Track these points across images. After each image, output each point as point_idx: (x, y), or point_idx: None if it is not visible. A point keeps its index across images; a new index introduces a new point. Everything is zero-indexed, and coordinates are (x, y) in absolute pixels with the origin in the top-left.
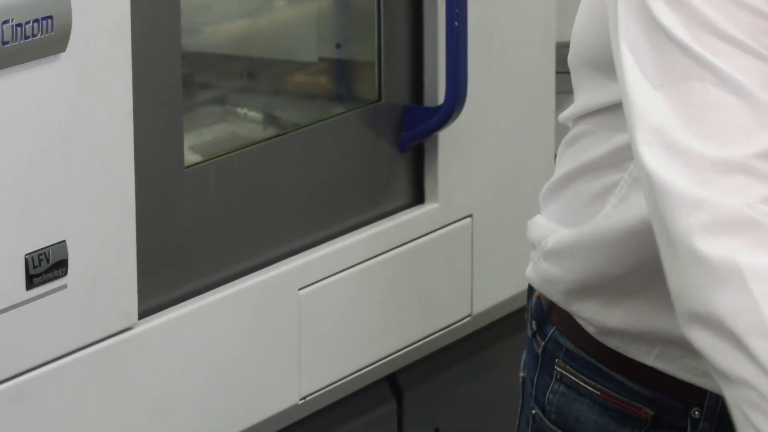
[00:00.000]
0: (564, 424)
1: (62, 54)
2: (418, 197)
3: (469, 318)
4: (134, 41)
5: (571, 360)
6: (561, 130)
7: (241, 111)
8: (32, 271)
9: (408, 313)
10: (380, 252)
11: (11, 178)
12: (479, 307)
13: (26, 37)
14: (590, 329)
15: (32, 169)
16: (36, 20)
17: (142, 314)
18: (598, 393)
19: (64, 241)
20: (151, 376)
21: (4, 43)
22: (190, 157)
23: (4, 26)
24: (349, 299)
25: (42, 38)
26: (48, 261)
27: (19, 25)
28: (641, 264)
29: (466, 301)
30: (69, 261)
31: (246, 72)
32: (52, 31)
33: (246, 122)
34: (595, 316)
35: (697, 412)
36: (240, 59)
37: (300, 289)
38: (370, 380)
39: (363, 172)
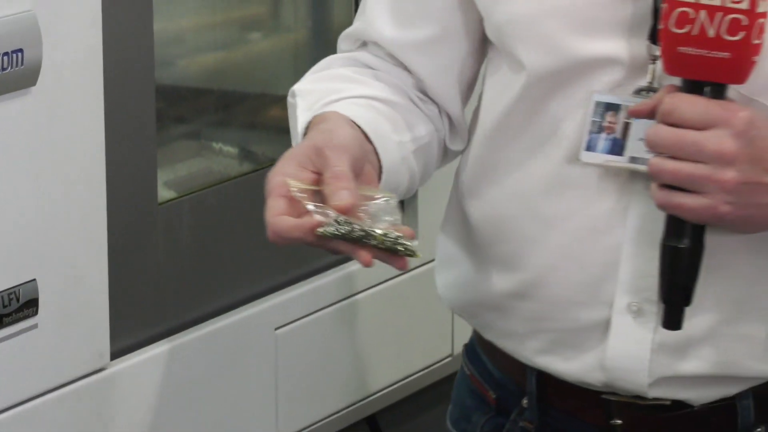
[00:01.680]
0: (459, 415)
1: (32, 88)
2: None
3: (449, 358)
4: (107, 74)
5: (467, 348)
6: None
7: (216, 146)
8: (2, 311)
9: (388, 353)
10: (359, 290)
11: None
12: (460, 347)
13: None
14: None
15: (1, 205)
16: (5, 53)
17: (115, 354)
18: (469, 374)
19: (35, 279)
20: (124, 418)
21: None
22: (164, 193)
23: None
24: (327, 338)
25: (11, 72)
26: (18, 300)
27: None
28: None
29: (447, 340)
30: (40, 300)
31: (221, 106)
32: (22, 64)
33: (221, 157)
34: (447, 292)
35: (525, 401)
36: (214, 93)
37: (277, 329)
38: (350, 422)
39: None
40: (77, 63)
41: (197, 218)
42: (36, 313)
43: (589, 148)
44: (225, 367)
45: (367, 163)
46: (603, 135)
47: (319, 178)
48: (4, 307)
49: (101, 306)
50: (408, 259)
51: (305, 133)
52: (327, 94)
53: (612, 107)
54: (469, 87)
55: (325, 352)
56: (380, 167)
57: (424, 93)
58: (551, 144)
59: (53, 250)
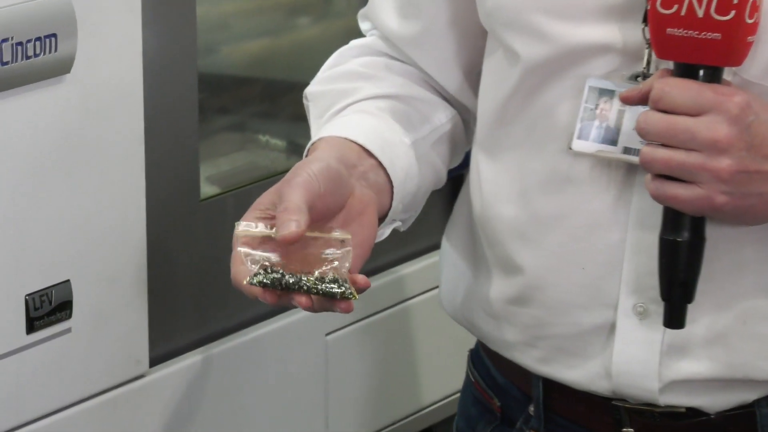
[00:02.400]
0: (464, 425)
1: (67, 76)
2: None
3: None
4: (146, 63)
5: (472, 353)
6: None
7: (262, 138)
8: (33, 314)
9: (446, 362)
10: (415, 294)
11: (10, 210)
12: None
13: (27, 57)
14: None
15: (33, 201)
16: (38, 39)
17: (154, 361)
18: (473, 380)
19: (69, 280)
20: (163, 429)
21: (3, 63)
22: (207, 189)
23: (4, 45)
24: (381, 345)
25: (45, 58)
26: (50, 302)
27: (20, 43)
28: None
29: None
30: (73, 302)
31: (267, 96)
32: (55, 50)
33: (267, 150)
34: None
35: (531, 408)
36: (260, 82)
37: (327, 334)
38: None
39: None
40: (114, 50)
41: (241, 215)
42: (70, 316)
43: (582, 136)
44: (272, 375)
45: (360, 186)
46: (596, 123)
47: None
48: (36, 309)
49: (139, 309)
50: (352, 301)
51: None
52: (336, 99)
53: (606, 93)
54: (477, 77)
55: (378, 360)
56: (389, 179)
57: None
58: (547, 135)
59: (88, 249)
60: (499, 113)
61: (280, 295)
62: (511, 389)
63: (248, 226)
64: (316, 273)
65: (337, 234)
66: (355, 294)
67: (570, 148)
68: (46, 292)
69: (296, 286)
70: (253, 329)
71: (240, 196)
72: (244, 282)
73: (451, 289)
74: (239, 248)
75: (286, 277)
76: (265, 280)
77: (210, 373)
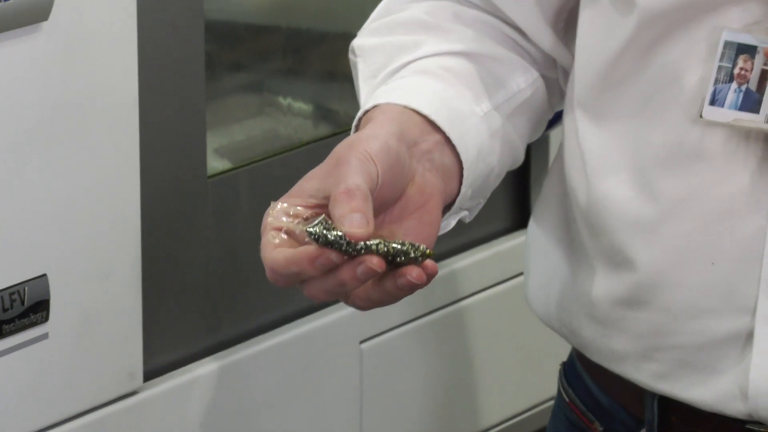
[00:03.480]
0: None
1: (43, 24)
2: (520, 219)
3: None
4: (140, 7)
5: (566, 367)
6: None
7: (284, 101)
8: (1, 316)
9: (498, 381)
10: (461, 296)
11: None
12: None
13: None
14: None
15: (2, 176)
16: None
17: (150, 374)
18: (567, 401)
19: (45, 275)
20: None
21: None
22: (215, 164)
23: None
24: (422, 355)
25: (16, 2)
26: (23, 302)
27: None
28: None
29: None
30: (51, 302)
31: (290, 49)
32: None
33: (290, 116)
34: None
35: None
36: (282, 32)
37: (362, 342)
38: None
39: None
40: None
41: (259, 196)
42: (46, 318)
43: (716, 102)
44: (295, 391)
45: (422, 171)
46: (733, 86)
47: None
48: (5, 311)
49: (132, 311)
50: (427, 269)
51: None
52: (393, 54)
53: (746, 50)
54: (566, 22)
55: (424, 374)
56: (460, 160)
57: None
58: (670, 101)
59: (69, 238)
60: (606, 73)
61: (345, 259)
62: (617, 411)
63: (283, 215)
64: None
65: (409, 246)
66: (429, 250)
67: (700, 117)
68: (18, 290)
69: (362, 249)
70: (272, 336)
71: (256, 173)
72: (298, 230)
73: (543, 285)
74: (271, 232)
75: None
76: (327, 234)
77: (218, 389)
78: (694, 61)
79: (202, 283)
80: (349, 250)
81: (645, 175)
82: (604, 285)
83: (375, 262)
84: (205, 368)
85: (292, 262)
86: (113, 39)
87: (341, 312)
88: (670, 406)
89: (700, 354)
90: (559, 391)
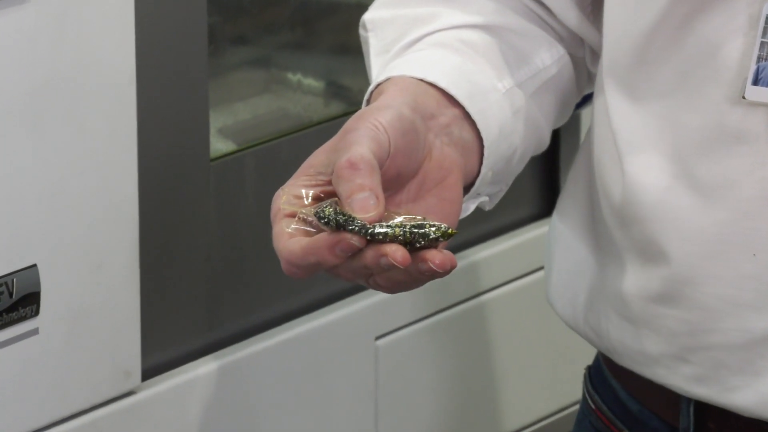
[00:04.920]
0: None
1: (27, 2)
2: (548, 206)
3: None
4: None
5: (591, 370)
6: None
7: (293, 77)
8: None
9: (521, 382)
10: (490, 287)
11: None
12: None
13: None
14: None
15: None
16: None
17: (148, 373)
18: (594, 407)
19: (35, 265)
20: None
21: None
22: (219, 145)
23: None
24: (441, 352)
25: None
26: (11, 294)
27: None
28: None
29: None
30: (42, 295)
31: (300, 20)
32: None
33: (299, 94)
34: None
35: None
36: (290, 2)
37: (377, 338)
38: None
39: None
40: None
41: (265, 180)
42: (37, 312)
43: (759, 81)
44: (306, 389)
45: (440, 144)
46: None
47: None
48: None
49: (129, 305)
50: (446, 254)
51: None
52: (407, 27)
53: None
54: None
55: (442, 372)
56: (480, 137)
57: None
58: (709, 80)
59: (61, 225)
60: (638, 51)
61: (366, 242)
62: (649, 419)
63: (294, 198)
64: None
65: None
66: (450, 228)
67: (743, 98)
68: (6, 281)
69: (379, 234)
70: (280, 332)
71: (262, 155)
72: (305, 215)
73: (567, 284)
74: (284, 220)
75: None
76: (338, 218)
77: (221, 389)
78: (734, 35)
79: (205, 275)
80: (365, 233)
81: (681, 160)
82: (635, 280)
83: (399, 258)
84: (208, 366)
85: (309, 252)
86: (108, 10)
87: (355, 306)
88: (707, 413)
89: (739, 354)
90: (584, 397)
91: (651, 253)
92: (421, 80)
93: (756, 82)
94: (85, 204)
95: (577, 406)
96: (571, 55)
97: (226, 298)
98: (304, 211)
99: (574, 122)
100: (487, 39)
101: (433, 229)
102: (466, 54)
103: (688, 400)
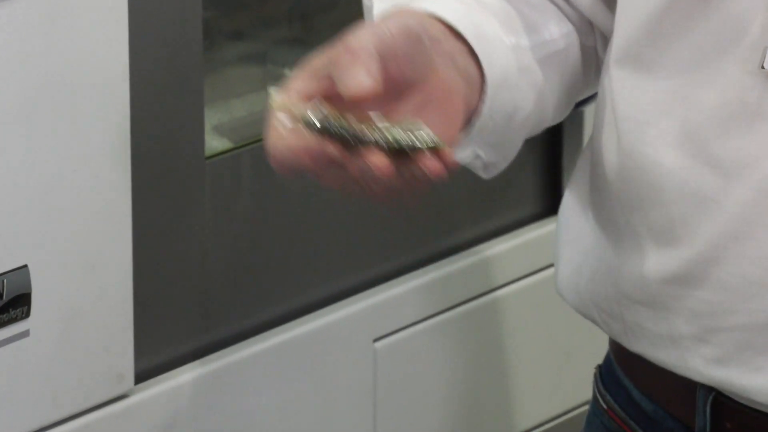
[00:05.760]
0: None
1: None
2: (552, 204)
3: None
4: None
5: (602, 370)
6: None
7: (290, 74)
8: None
9: (528, 382)
10: (494, 286)
11: None
12: None
13: None
14: None
15: None
16: None
17: (141, 376)
18: (605, 407)
19: (26, 266)
20: None
21: None
22: (214, 143)
23: None
24: (443, 355)
25: None
26: (1, 296)
27: None
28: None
29: None
30: (33, 296)
31: (296, 15)
32: None
33: None
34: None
35: None
36: None
37: (376, 341)
38: None
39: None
40: None
41: (261, 179)
42: (28, 314)
43: None
44: (303, 392)
45: (445, 66)
46: None
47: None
48: None
49: (121, 306)
50: (445, 159)
51: None
52: None
53: None
54: None
55: (446, 376)
56: (483, 76)
57: None
58: (726, 53)
59: (53, 225)
60: (651, 25)
61: (342, 153)
62: (663, 419)
63: (288, 98)
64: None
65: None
66: (441, 143)
67: (762, 68)
68: None
69: (364, 137)
70: (277, 333)
71: (258, 153)
72: (279, 126)
73: (576, 269)
74: (277, 116)
75: (349, 125)
76: (325, 122)
77: (216, 392)
78: (754, 7)
79: (200, 276)
80: (348, 137)
81: (698, 139)
82: (653, 263)
83: (382, 168)
84: (203, 369)
85: (291, 154)
86: (101, 5)
87: (352, 307)
88: (724, 412)
89: (762, 335)
90: (594, 398)
91: (671, 235)
92: (428, 14)
93: None
94: (78, 203)
95: (584, 408)
96: (581, 43)
97: (222, 300)
98: (295, 111)
99: (577, 118)
100: (496, 3)
101: (425, 139)
102: (476, 9)
103: (705, 399)
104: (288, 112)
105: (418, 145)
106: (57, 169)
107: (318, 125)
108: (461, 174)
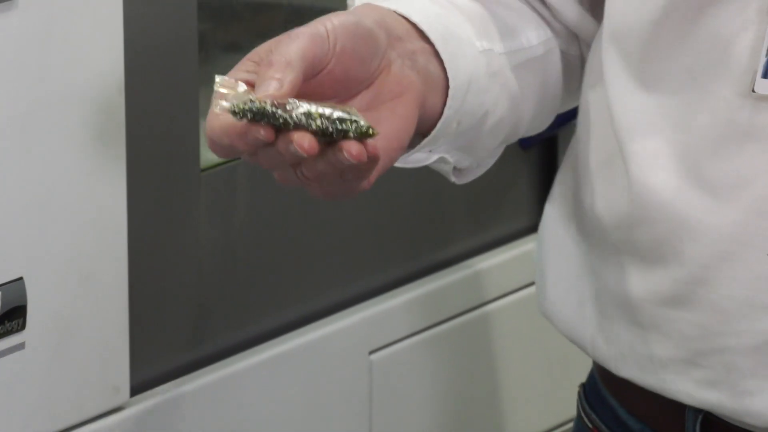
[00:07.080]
0: None
1: (17, 2)
2: None
3: None
4: None
5: (586, 388)
6: None
7: None
8: None
9: (524, 395)
10: (486, 300)
11: None
12: None
13: None
14: None
15: None
16: None
17: (137, 388)
18: (591, 427)
19: (21, 278)
20: None
21: None
22: (210, 155)
23: None
24: (440, 368)
25: None
26: None
27: None
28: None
29: None
30: (28, 308)
31: (291, 27)
32: None
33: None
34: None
35: None
36: (282, 8)
37: (371, 353)
38: None
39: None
40: None
41: (257, 191)
42: (23, 326)
43: None
44: (299, 404)
45: (401, 64)
46: None
47: None
48: None
49: (118, 318)
50: (369, 148)
51: None
52: None
53: None
54: None
55: (440, 389)
56: (446, 77)
57: None
58: (717, 75)
59: (48, 237)
60: (642, 45)
61: (270, 135)
62: None
63: (227, 82)
64: (314, 107)
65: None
66: (375, 130)
67: (753, 92)
68: None
69: (291, 119)
70: (273, 345)
71: (254, 166)
72: (216, 109)
73: (563, 296)
74: (216, 100)
75: (278, 110)
76: (250, 107)
77: (213, 404)
78: (744, 28)
79: (195, 288)
80: (278, 121)
81: (690, 160)
82: (643, 284)
83: (305, 145)
84: (199, 381)
85: (224, 134)
86: (96, 16)
87: (348, 320)
88: (713, 430)
89: (753, 357)
90: (579, 417)
91: (660, 255)
92: (394, 12)
93: (766, 74)
94: (73, 215)
95: (572, 424)
96: (563, 52)
97: (218, 312)
98: (233, 99)
99: (572, 133)
100: (473, 5)
101: (354, 126)
102: (449, 10)
103: (694, 417)
104: (225, 98)
105: (346, 128)
106: (52, 182)
107: (248, 109)
108: (456, 187)
